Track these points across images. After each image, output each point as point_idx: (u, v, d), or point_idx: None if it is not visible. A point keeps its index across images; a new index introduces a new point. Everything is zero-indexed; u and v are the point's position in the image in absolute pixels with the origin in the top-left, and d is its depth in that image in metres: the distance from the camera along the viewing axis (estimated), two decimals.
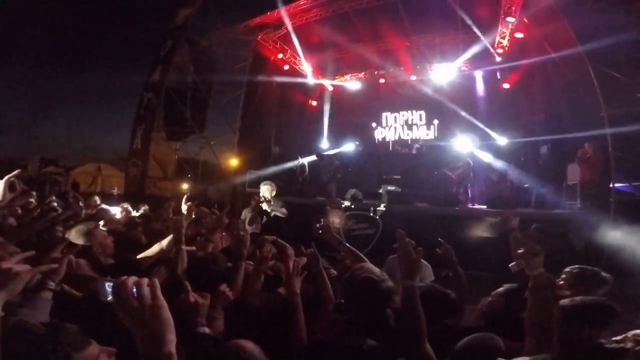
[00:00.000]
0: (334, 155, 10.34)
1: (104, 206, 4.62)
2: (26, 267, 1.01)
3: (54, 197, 4.70)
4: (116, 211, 4.40)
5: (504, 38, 9.07)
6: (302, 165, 10.63)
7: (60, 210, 3.82)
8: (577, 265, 2.18)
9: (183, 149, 11.39)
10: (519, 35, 8.78)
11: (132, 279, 0.78)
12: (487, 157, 8.67)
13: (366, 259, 2.21)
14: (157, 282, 0.79)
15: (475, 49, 9.34)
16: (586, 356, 1.43)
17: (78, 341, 0.93)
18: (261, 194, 4.87)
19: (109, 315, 0.81)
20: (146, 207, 5.28)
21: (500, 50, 9.34)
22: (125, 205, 4.70)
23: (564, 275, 2.17)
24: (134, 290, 0.76)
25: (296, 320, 1.60)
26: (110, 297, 0.80)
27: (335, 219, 7.64)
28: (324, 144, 12.13)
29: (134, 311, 0.75)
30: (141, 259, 2.47)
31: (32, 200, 3.77)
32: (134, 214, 4.68)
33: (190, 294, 1.48)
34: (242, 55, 10.89)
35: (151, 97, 10.64)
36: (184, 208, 4.23)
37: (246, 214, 4.89)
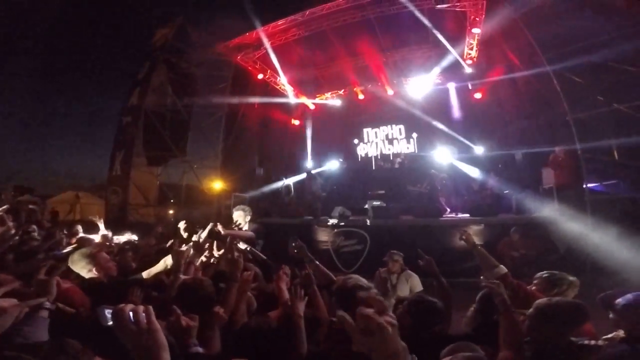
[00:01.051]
0: (319, 173, 10.41)
1: (83, 235, 4.47)
2: (13, 302, 1.07)
3: (34, 227, 4.52)
4: (96, 239, 4.25)
5: (471, 49, 9.46)
6: (287, 186, 10.64)
7: (39, 240, 3.70)
8: (546, 271, 2.36)
9: (164, 174, 11.12)
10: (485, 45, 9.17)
11: (129, 306, 0.88)
12: (466, 167, 8.95)
13: (335, 280, 2.40)
14: (151, 309, 0.90)
15: (446, 62, 9.69)
16: (557, 353, 1.49)
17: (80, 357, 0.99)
18: (235, 219, 4.74)
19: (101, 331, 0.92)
20: (129, 233, 5.13)
21: (469, 62, 9.70)
22: (104, 232, 4.54)
23: (535, 281, 2.32)
24: (131, 316, 0.87)
25: (298, 341, 1.72)
26: (109, 322, 0.92)
27: (324, 237, 7.63)
28: (308, 163, 12.20)
29: (132, 334, 0.85)
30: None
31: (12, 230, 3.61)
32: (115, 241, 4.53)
33: (181, 318, 1.57)
34: (222, 76, 10.81)
35: (130, 121, 10.43)
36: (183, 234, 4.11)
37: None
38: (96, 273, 2.32)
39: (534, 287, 2.30)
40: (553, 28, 6.76)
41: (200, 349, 1.53)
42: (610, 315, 1.82)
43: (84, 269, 2.29)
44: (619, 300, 1.74)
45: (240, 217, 4.64)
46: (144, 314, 0.88)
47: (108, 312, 0.94)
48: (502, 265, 2.29)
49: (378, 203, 8.11)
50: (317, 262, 2.60)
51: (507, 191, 7.64)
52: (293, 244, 2.72)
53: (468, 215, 7.20)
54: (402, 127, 11.55)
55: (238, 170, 10.93)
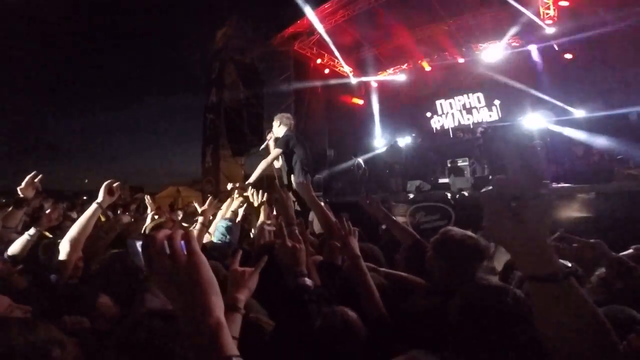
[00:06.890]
0: (395, 147, 10.19)
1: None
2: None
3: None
4: None
5: (548, 8, 8.61)
6: (359, 163, 10.62)
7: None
8: None
9: (248, 163, 11.86)
10: (563, 3, 8.33)
11: (164, 231, 0.63)
12: (566, 131, 7.86)
13: (416, 234, 2.20)
14: (193, 233, 0.65)
15: (520, 24, 8.88)
16: None
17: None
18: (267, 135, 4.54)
19: None
20: None
21: (549, 22, 8.78)
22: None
23: None
24: (166, 245, 0.62)
25: (366, 286, 1.42)
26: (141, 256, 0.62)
27: (401, 213, 7.47)
28: (378, 140, 12.00)
29: (167, 272, 0.60)
30: None
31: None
32: None
33: (286, 239, 1.36)
34: (284, 66, 11.21)
35: (213, 118, 11.40)
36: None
37: None
38: None
39: None
40: None
41: (308, 281, 1.26)
42: None
43: None
44: None
45: (275, 127, 4.41)
46: (182, 242, 0.63)
47: (140, 245, 0.69)
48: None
49: (462, 175, 7.60)
50: (395, 218, 2.26)
51: (621, 156, 6.55)
52: (366, 199, 2.33)
53: (572, 184, 6.36)
54: (480, 95, 10.68)
55: (310, 153, 11.20)
